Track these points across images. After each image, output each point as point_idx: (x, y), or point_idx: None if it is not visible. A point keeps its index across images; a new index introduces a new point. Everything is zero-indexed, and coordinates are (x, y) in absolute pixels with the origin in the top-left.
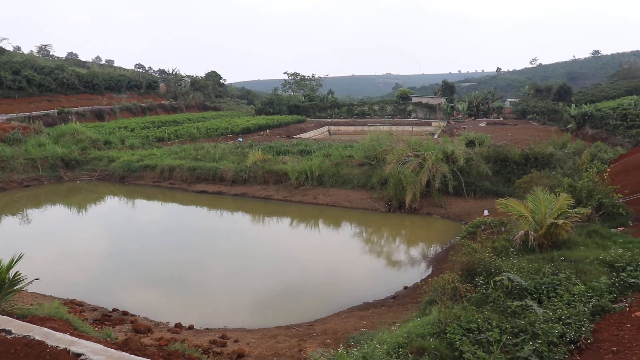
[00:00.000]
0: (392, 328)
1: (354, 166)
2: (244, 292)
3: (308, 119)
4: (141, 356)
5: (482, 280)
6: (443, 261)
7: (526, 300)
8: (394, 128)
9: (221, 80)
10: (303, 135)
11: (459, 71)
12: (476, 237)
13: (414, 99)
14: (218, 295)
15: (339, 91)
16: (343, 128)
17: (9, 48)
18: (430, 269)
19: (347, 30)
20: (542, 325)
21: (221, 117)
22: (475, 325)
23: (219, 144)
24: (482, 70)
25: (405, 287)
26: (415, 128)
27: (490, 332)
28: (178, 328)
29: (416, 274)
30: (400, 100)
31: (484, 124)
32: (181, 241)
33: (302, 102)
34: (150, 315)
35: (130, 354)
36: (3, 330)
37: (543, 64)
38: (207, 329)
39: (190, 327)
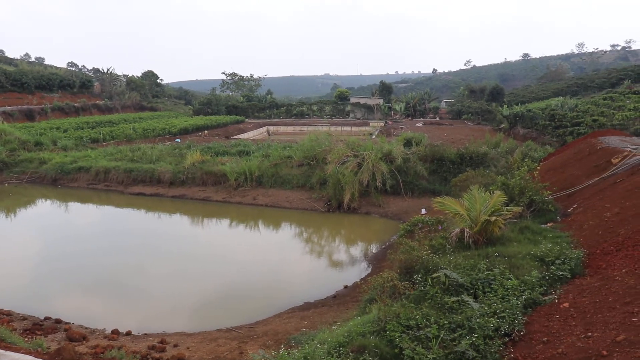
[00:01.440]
0: (333, 327)
1: (294, 167)
2: (183, 296)
3: (247, 119)
4: None
5: (420, 277)
6: (382, 260)
7: (463, 295)
8: (332, 128)
9: (158, 80)
10: (242, 136)
11: (396, 72)
12: (414, 235)
13: (353, 100)
14: (157, 300)
15: (277, 91)
16: (282, 128)
17: None
18: (370, 267)
19: (285, 31)
20: (478, 320)
21: (158, 118)
22: (414, 322)
23: (156, 145)
24: (419, 72)
25: (346, 286)
26: (354, 128)
27: (429, 328)
28: (115, 334)
29: (356, 273)
30: (338, 100)
31: (421, 124)
32: (118, 245)
33: (241, 102)
34: (86, 323)
35: None
36: None
37: (477, 65)
38: (145, 334)
39: (128, 333)
